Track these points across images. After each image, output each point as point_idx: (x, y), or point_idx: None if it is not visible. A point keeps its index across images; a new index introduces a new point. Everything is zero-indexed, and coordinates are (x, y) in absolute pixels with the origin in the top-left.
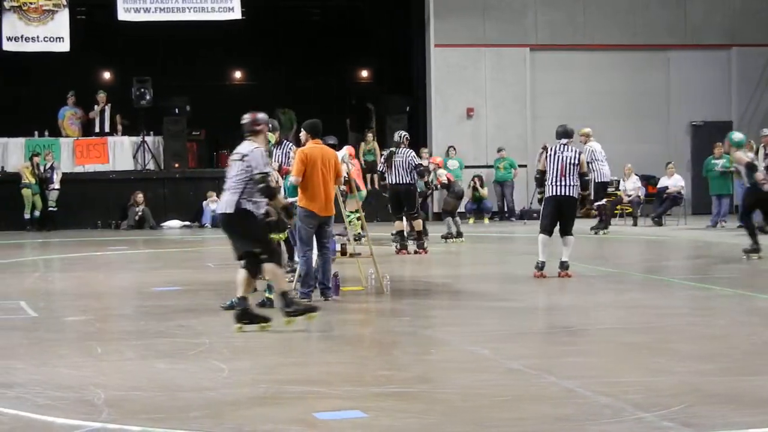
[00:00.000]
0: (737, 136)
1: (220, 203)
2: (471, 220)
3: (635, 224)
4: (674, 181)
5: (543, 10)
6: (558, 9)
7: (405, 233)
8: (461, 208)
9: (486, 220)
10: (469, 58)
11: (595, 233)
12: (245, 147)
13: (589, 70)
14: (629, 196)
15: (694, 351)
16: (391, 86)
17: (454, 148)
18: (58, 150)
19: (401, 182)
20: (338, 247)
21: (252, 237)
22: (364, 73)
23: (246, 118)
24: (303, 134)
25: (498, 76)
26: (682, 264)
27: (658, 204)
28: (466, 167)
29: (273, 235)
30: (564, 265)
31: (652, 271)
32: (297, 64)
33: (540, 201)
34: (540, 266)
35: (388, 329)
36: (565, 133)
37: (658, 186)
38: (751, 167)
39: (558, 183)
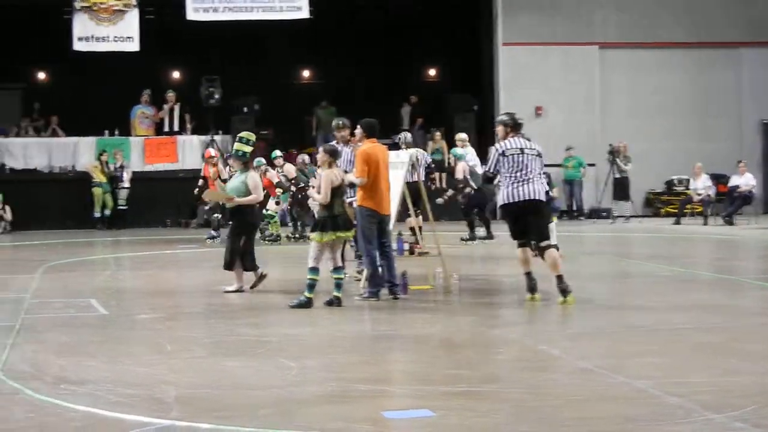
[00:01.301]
0: (458, 151)
1: (527, 190)
2: None
3: (705, 223)
4: (745, 180)
5: (612, 8)
6: (628, 7)
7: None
8: None
9: (554, 219)
10: (538, 56)
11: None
12: (531, 143)
13: (659, 67)
14: (699, 195)
15: (766, 351)
16: (458, 84)
17: None
18: (128, 149)
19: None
20: (406, 246)
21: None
22: (432, 72)
23: (517, 115)
24: (358, 132)
25: (567, 75)
26: (753, 264)
27: (728, 203)
28: None
29: (340, 234)
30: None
31: (723, 271)
32: (364, 63)
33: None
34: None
35: (456, 328)
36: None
37: (729, 185)
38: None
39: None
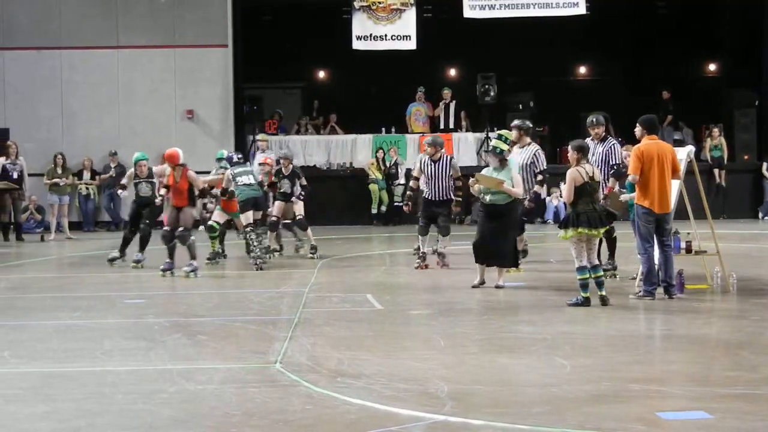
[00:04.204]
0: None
1: None
2: None
3: None
4: None
5: None
6: None
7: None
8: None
9: None
10: None
11: None
12: None
13: None
14: None
15: None
16: (738, 80)
17: None
18: (404, 146)
19: None
20: (683, 245)
21: None
22: (711, 67)
23: None
24: (638, 130)
25: None
26: None
27: None
28: None
29: (581, 230)
30: None
31: None
32: (641, 59)
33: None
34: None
35: (734, 329)
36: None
37: None
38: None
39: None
